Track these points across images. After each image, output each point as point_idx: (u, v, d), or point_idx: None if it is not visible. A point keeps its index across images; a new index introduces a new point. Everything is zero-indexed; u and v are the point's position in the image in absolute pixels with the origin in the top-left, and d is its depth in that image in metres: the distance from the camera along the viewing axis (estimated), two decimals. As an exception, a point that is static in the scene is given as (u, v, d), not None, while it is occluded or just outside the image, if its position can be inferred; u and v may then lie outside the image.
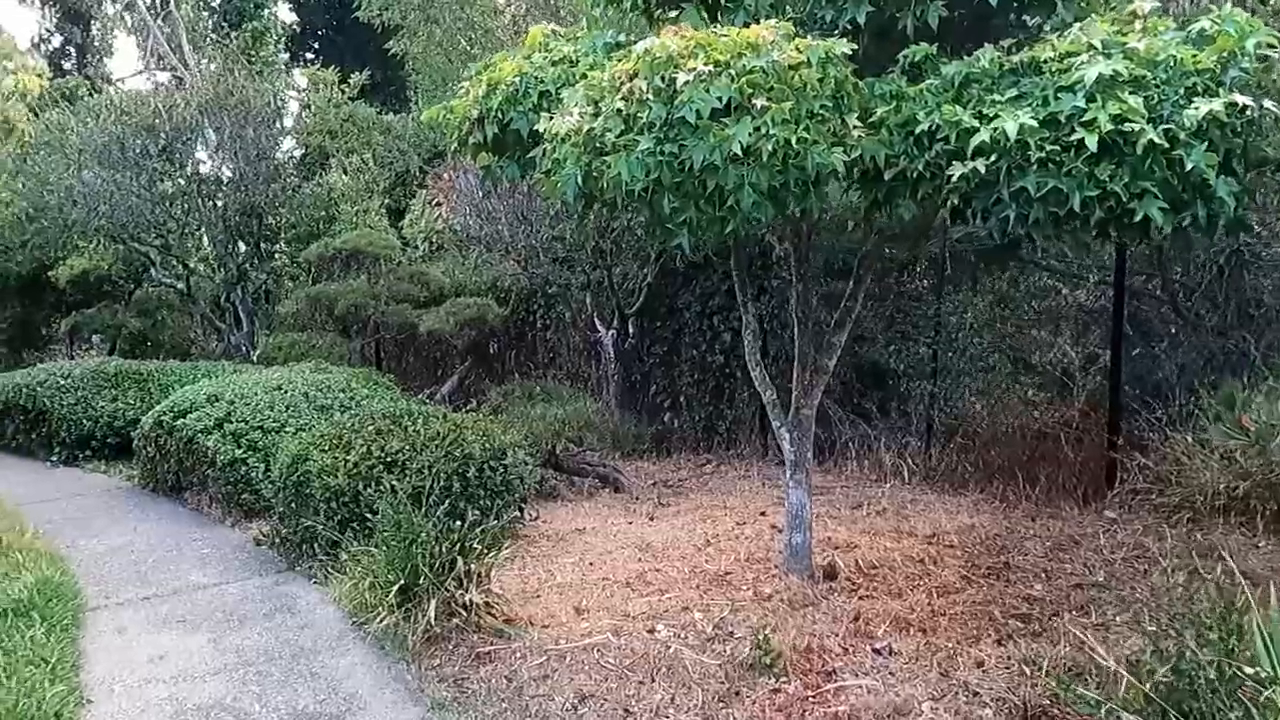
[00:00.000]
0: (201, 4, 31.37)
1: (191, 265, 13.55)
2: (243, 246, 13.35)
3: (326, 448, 6.46)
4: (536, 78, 4.86)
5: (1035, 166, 3.68)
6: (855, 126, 4.01)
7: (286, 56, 30.65)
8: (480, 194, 9.02)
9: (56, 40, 34.15)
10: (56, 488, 9.18)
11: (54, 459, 10.29)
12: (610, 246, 9.17)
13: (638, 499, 8.50)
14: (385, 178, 19.78)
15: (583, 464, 8.80)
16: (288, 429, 7.88)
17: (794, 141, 3.79)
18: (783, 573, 5.82)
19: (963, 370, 8.80)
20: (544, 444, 8.10)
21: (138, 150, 11.84)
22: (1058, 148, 3.67)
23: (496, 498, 6.52)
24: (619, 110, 4.02)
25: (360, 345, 12.79)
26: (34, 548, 6.29)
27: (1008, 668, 4.45)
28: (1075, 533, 6.83)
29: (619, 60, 4.22)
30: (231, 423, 8.02)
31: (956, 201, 3.91)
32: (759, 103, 3.83)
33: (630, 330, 10.67)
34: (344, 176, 18.50)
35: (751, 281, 5.93)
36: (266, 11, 29.56)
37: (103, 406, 10.37)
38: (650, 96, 3.96)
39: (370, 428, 6.63)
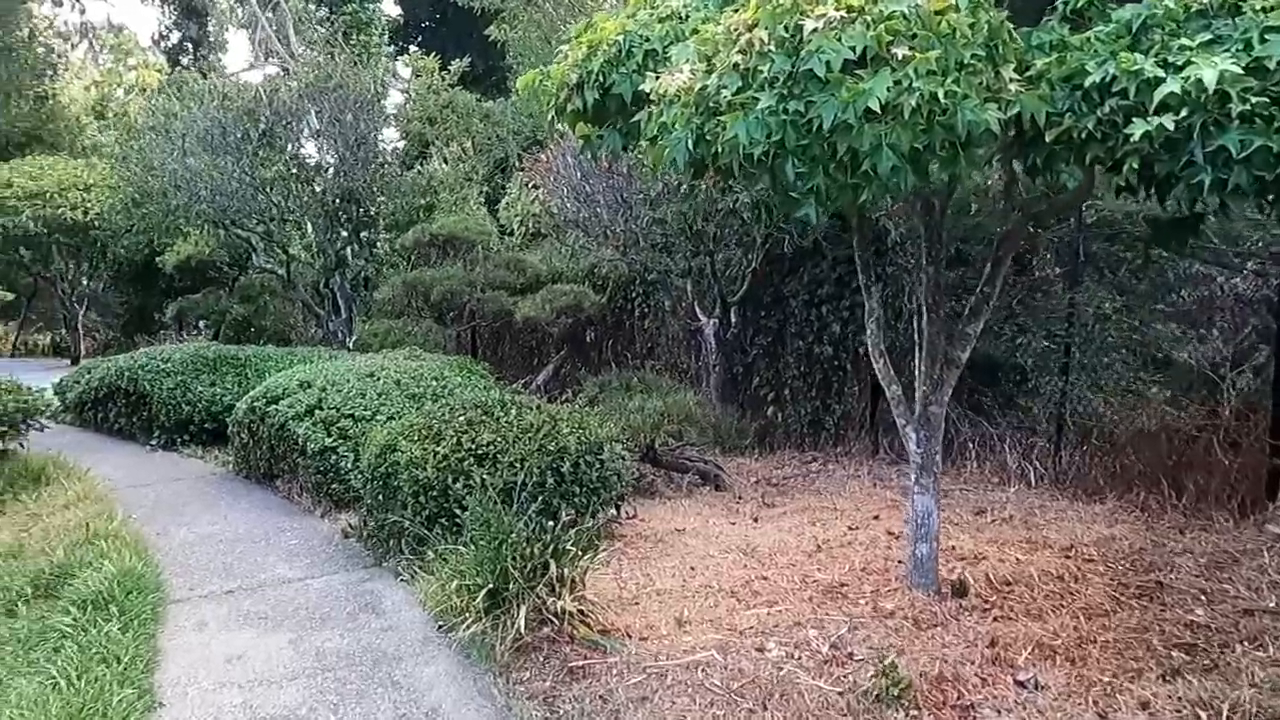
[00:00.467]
0: (309, -1, 31.95)
1: (292, 252, 13.53)
2: (342, 233, 13.27)
3: (416, 438, 6.15)
4: (642, 35, 4.39)
5: (1237, 122, 3.07)
6: (1011, 79, 3.45)
7: (391, 49, 30.91)
8: (578, 176, 8.63)
9: (175, 36, 35.19)
10: (153, 472, 9.14)
11: (153, 443, 10.31)
12: (715, 231, 8.68)
13: (740, 498, 8.01)
14: (484, 165, 19.69)
15: (682, 459, 8.35)
16: (378, 418, 7.62)
17: (941, 96, 3.26)
18: (905, 586, 5.27)
19: (1099, 366, 8.03)
20: (642, 438, 7.68)
21: (239, 135, 11.81)
22: (1266, 99, 3.05)
23: (592, 495, 6.11)
24: (736, 65, 3.54)
25: (456, 333, 12.59)
26: (121, 535, 6.13)
27: (1178, 711, 3.84)
28: (1233, 549, 6.08)
29: (735, 10, 3.74)
30: (322, 410, 7.81)
31: (1135, 165, 3.31)
32: (900, 52, 3.31)
33: (732, 319, 10.17)
34: (443, 165, 18.45)
35: (869, 266, 5.36)
36: (371, 4, 29.89)
37: (200, 391, 10.33)
38: (772, 48, 3.47)
39: (461, 418, 6.29)
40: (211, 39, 35.79)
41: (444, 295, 11.92)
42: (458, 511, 5.58)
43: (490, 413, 6.40)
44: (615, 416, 7.59)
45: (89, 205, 16.01)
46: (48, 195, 16.45)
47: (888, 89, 3.27)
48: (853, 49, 3.34)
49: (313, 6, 30.98)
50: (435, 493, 5.74)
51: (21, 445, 7.78)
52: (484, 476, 5.73)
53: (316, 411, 7.81)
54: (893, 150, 3.30)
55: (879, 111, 3.28)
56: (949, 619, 4.88)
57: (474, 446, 5.93)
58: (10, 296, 22.68)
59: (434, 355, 10.14)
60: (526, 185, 8.92)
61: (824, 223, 9.07)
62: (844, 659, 4.42)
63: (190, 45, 34.66)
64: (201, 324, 18.43)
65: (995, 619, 4.88)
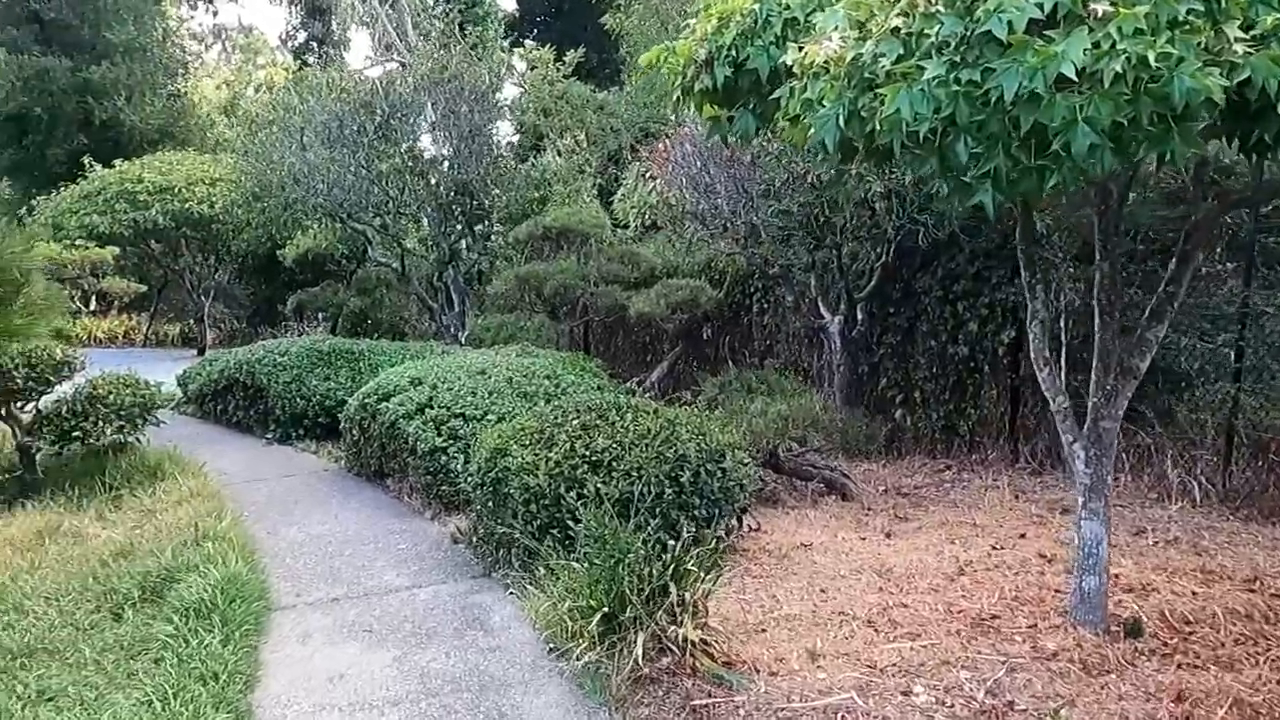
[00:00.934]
0: (427, -8, 32.34)
1: (407, 245, 13.48)
2: (456, 226, 13.15)
3: (527, 442, 5.83)
4: (780, 3, 3.91)
5: None
6: (1236, 39, 2.86)
7: (505, 43, 31.10)
8: (697, 165, 8.21)
9: (301, 36, 36.17)
10: (268, 467, 9.11)
11: (269, 436, 10.32)
12: (843, 222, 8.13)
13: (870, 509, 7.47)
14: (597, 156, 19.45)
15: (806, 465, 7.84)
16: (489, 417, 7.36)
17: (1151, 60, 2.70)
18: (1069, 623, 4.67)
19: (1278, 371, 7.19)
20: (764, 443, 7.21)
21: (355, 129, 11.77)
22: None
23: (714, 507, 5.69)
24: (896, 30, 3.06)
25: (569, 328, 12.32)
26: (229, 537, 5.99)
27: None
28: None
29: (895, -34, 3.23)
30: (432, 409, 7.59)
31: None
32: (1099, 8, 2.77)
33: (859, 316, 9.58)
34: (556, 158, 18.28)
35: (1033, 261, 4.76)
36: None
37: (315, 385, 10.30)
38: (940, 8, 2.98)
39: (575, 422, 5.94)
40: (335, 37, 36.69)
41: (557, 290, 11.66)
42: (570, 524, 5.24)
43: (605, 416, 6.03)
44: (736, 420, 7.15)
45: (214, 199, 16.37)
46: (176, 190, 16.89)
47: (1084, 52, 2.73)
48: (1040, 6, 2.82)
49: (430, 1, 31.37)
50: (547, 502, 5.40)
51: (139, 440, 7.80)
52: (598, 486, 5.37)
53: (427, 410, 7.60)
54: (1090, 125, 2.76)
55: (1073, 79, 2.74)
56: (1123, 664, 4.28)
57: (588, 453, 5.58)
58: (143, 289, 23.54)
59: (546, 351, 9.86)
60: (643, 176, 8.55)
61: (962, 213, 8.45)
62: (1003, 709, 3.89)
63: (315, 43, 35.57)
64: (320, 316, 18.71)
65: (1179, 666, 4.26)
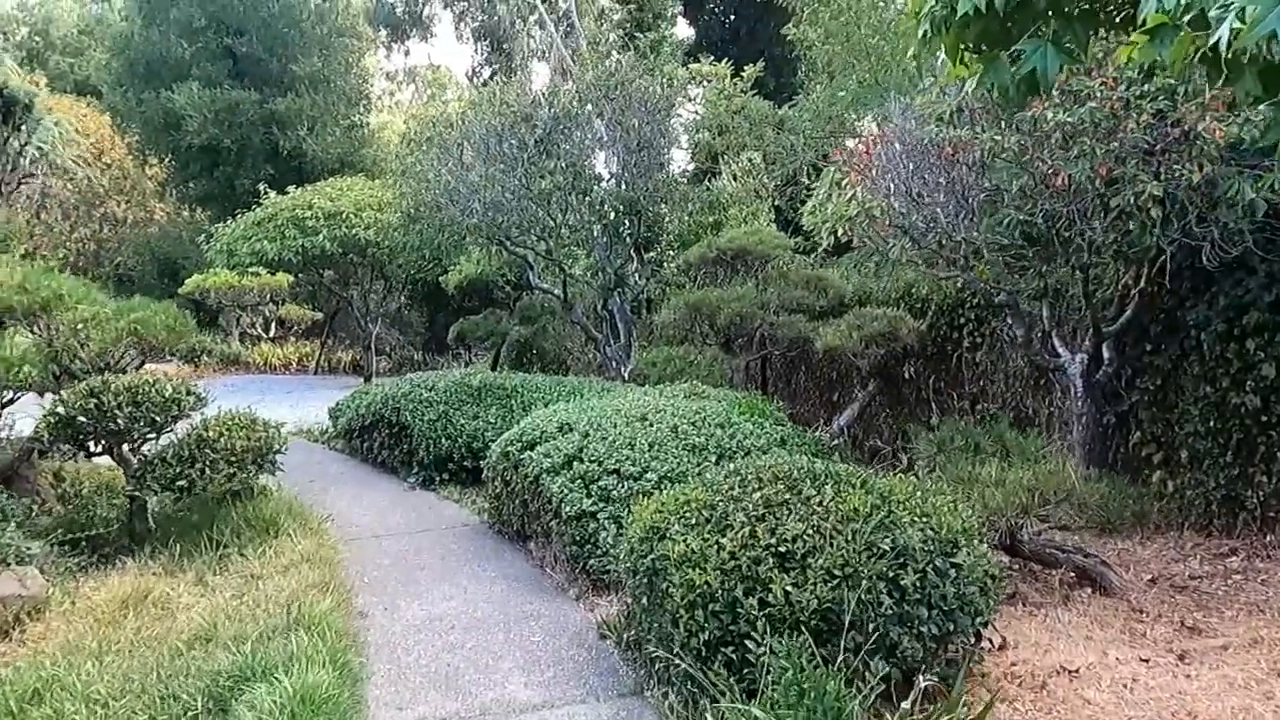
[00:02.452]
0: (603, 20, 31.92)
1: (569, 270, 12.41)
2: (623, 249, 12.03)
3: (693, 520, 4.45)
4: None
5: None
6: None
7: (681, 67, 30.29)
8: (909, 169, 6.64)
9: (486, 72, 36.48)
10: (403, 518, 8.09)
11: (412, 479, 9.35)
12: (1096, 236, 6.36)
13: (1141, 612, 5.66)
14: (776, 177, 18.10)
15: (1050, 548, 6.11)
16: (648, 476, 6.03)
17: None
18: None
19: None
20: (1003, 522, 5.54)
21: (515, 143, 10.79)
22: None
23: (947, 620, 4.12)
24: None
25: (744, 363, 10.89)
26: (326, 624, 4.86)
27: None
28: None
29: None
30: (582, 462, 6.32)
31: None
32: None
33: (1105, 355, 7.73)
34: (731, 180, 17.00)
35: None
36: (664, 24, 29.36)
37: (462, 424, 9.27)
38: None
39: (756, 494, 4.51)
40: (517, 73, 36.85)
41: (732, 319, 10.28)
42: (749, 644, 3.81)
43: (797, 488, 4.57)
44: (963, 490, 5.53)
45: (382, 224, 15.91)
46: (344, 215, 16.56)
47: None
48: None
49: (606, 27, 30.89)
50: (718, 608, 3.99)
51: (253, 487, 6.86)
52: (788, 589, 3.92)
53: (575, 464, 6.34)
54: None
55: None
56: None
57: (774, 542, 4.14)
58: (318, 316, 23.66)
59: (718, 392, 8.47)
60: (838, 184, 7.09)
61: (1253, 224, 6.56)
62: None
63: (499, 77, 35.79)
64: (486, 345, 18.02)
65: None
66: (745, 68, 19.99)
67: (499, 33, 34.51)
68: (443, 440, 9.19)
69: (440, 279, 17.07)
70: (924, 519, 4.38)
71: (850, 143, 6.88)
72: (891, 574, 4.05)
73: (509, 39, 35.46)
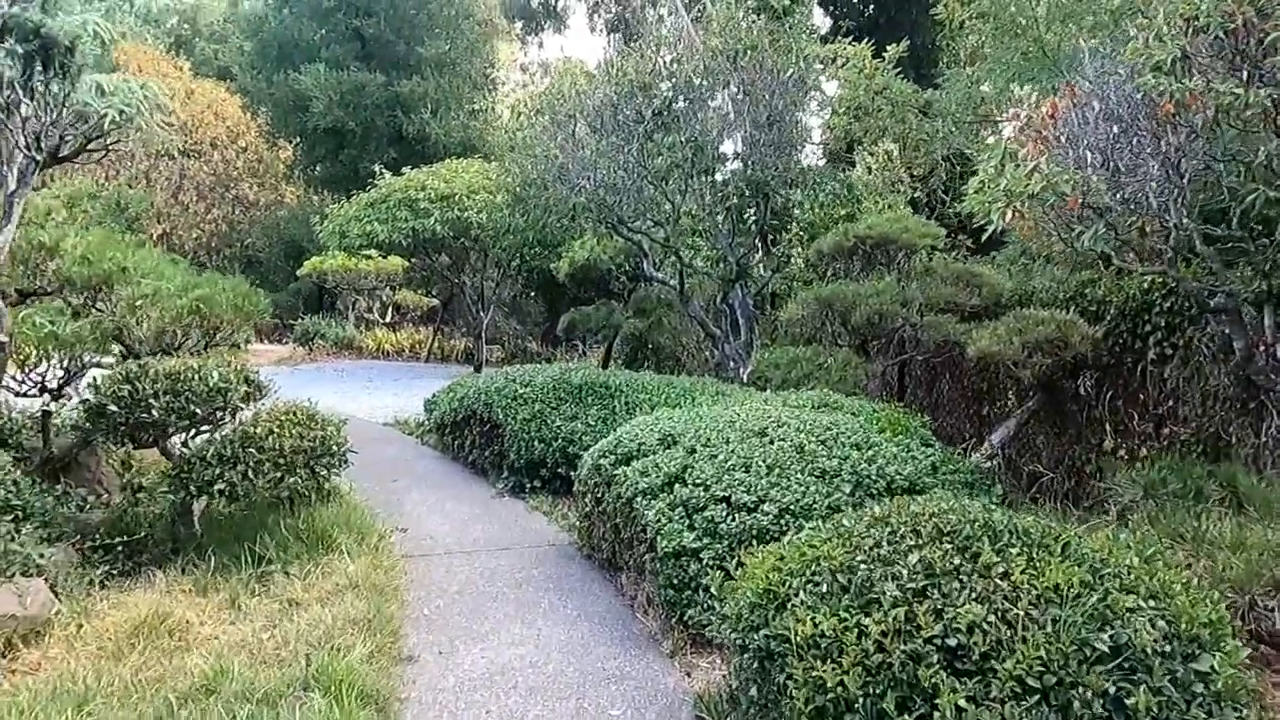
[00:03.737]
0: (738, 5, 30.60)
1: (686, 258, 11.25)
2: (747, 236, 10.83)
3: (824, 587, 3.27)
4: None
5: None
6: None
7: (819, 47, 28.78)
8: (1112, 132, 5.21)
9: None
10: (484, 531, 7.10)
11: (501, 485, 8.39)
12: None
13: None
14: (919, 165, 16.58)
15: (1292, 629, 4.64)
16: (765, 509, 4.84)
17: None
18: None
19: None
20: (1245, 599, 4.14)
21: (631, 115, 9.69)
22: None
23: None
24: None
25: (882, 368, 9.56)
26: (352, 682, 3.86)
27: None
28: None
29: None
30: (685, 485, 5.18)
31: None
32: None
33: (1346, 375, 6.16)
34: (867, 172, 15.57)
35: None
36: (800, 7, 27.86)
37: (558, 426, 8.25)
38: None
39: (913, 555, 3.28)
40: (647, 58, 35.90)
41: (869, 317, 8.95)
42: (906, 789, 2.62)
43: (969, 548, 3.33)
44: (1186, 552, 4.17)
45: (490, 206, 15.04)
46: (456, 197, 15.80)
47: None
48: None
49: (739, 19, 29.53)
50: (858, 724, 2.80)
51: (303, 493, 5.90)
52: (961, 705, 2.71)
53: (676, 486, 5.21)
54: None
55: None
56: None
57: (941, 631, 2.92)
58: (434, 302, 23.20)
59: (852, 402, 7.19)
60: (1012, 156, 5.74)
61: None
62: None
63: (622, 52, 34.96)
64: (599, 337, 17.03)
65: None
66: (888, 48, 18.44)
67: (631, 23, 33.64)
68: (536, 443, 8.19)
69: (552, 266, 16.15)
70: (1155, 604, 3.09)
71: (1048, 106, 5.48)
72: (1114, 689, 2.79)
73: (639, 24, 34.54)
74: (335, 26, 25.91)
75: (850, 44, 19.67)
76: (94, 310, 7.16)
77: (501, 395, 8.72)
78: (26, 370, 6.62)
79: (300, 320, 23.11)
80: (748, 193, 10.31)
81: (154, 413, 5.32)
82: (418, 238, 15.98)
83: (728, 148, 10.67)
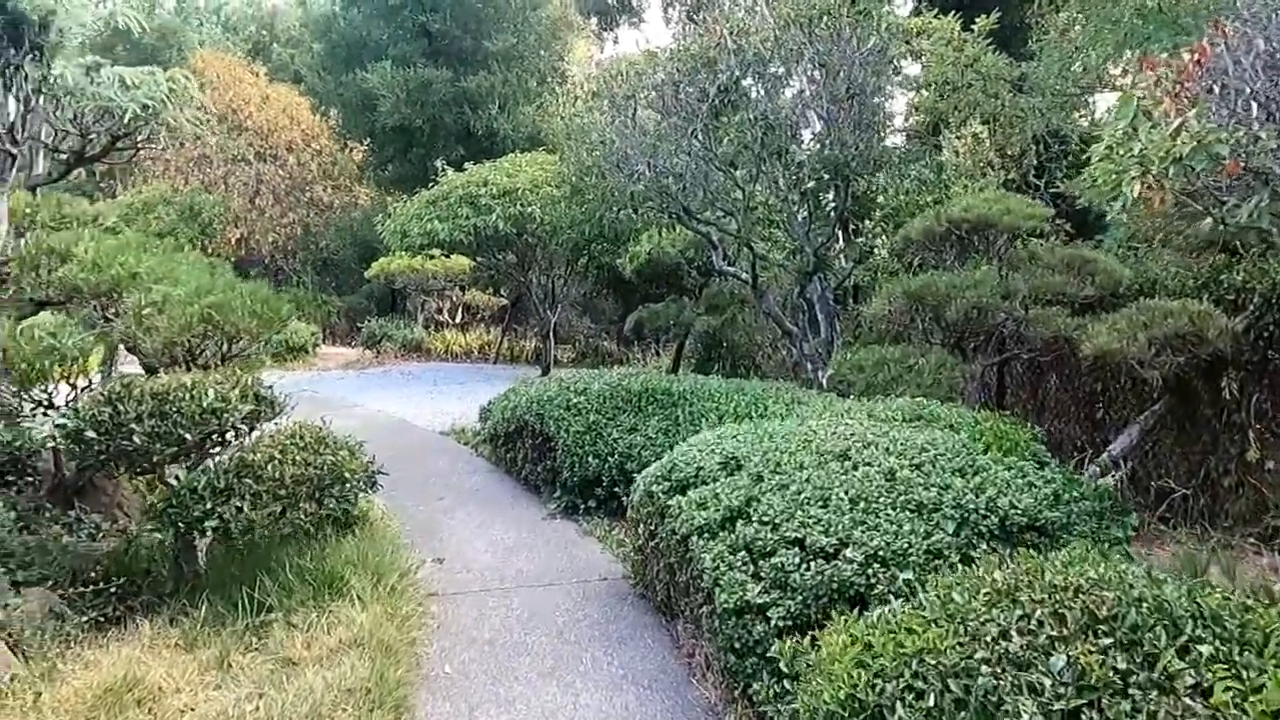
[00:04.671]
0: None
1: (759, 249, 10.30)
2: (825, 225, 9.83)
3: (930, 702, 2.34)
4: None
5: None
6: None
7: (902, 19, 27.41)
8: (1277, 79, 4.17)
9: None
10: (529, 562, 6.30)
11: (553, 505, 7.58)
12: None
13: None
14: (1013, 146, 15.31)
15: None
16: (849, 555, 3.91)
17: None
18: None
19: None
20: None
21: (694, 94, 8.79)
22: None
23: None
24: None
25: (981, 368, 8.49)
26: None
27: None
28: None
29: None
30: (749, 523, 4.28)
31: None
32: None
33: None
34: (956, 155, 14.37)
35: None
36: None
37: (615, 439, 7.42)
38: None
39: (1057, 654, 2.34)
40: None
41: (966, 312, 7.90)
42: None
43: (1138, 644, 2.37)
44: None
45: (548, 199, 14.26)
46: (519, 192, 15.07)
47: None
48: None
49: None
50: None
51: (309, 527, 5.11)
52: None
53: (739, 524, 4.31)
54: None
55: None
56: None
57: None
58: (503, 302, 22.60)
59: (950, 411, 6.18)
60: (1147, 114, 4.70)
61: None
62: None
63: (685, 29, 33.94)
64: (669, 337, 16.14)
65: None
66: (976, 20, 17.14)
67: (707, 10, 32.60)
68: (590, 458, 7.37)
69: (618, 262, 15.31)
70: None
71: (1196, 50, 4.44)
72: None
73: (713, 9, 33.37)
74: (402, 24, 25.50)
75: (936, 15, 18.42)
76: (105, 320, 6.57)
77: (553, 405, 7.92)
78: (25, 387, 6.02)
79: (367, 322, 22.75)
80: (825, 176, 9.31)
81: (136, 438, 4.62)
82: (480, 235, 15.31)
83: (802, 127, 9.67)
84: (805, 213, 9.90)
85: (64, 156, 8.44)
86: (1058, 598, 2.56)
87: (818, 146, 9.56)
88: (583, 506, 7.42)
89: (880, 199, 11.66)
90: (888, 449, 4.81)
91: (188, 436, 4.77)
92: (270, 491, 4.77)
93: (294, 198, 30.31)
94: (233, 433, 5.19)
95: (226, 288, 6.47)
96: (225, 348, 6.33)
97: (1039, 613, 2.51)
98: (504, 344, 21.17)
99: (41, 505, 6.35)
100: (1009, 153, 15.32)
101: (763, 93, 8.96)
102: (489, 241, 15.70)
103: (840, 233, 11.10)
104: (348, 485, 5.12)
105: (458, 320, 23.69)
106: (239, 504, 4.67)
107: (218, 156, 28.73)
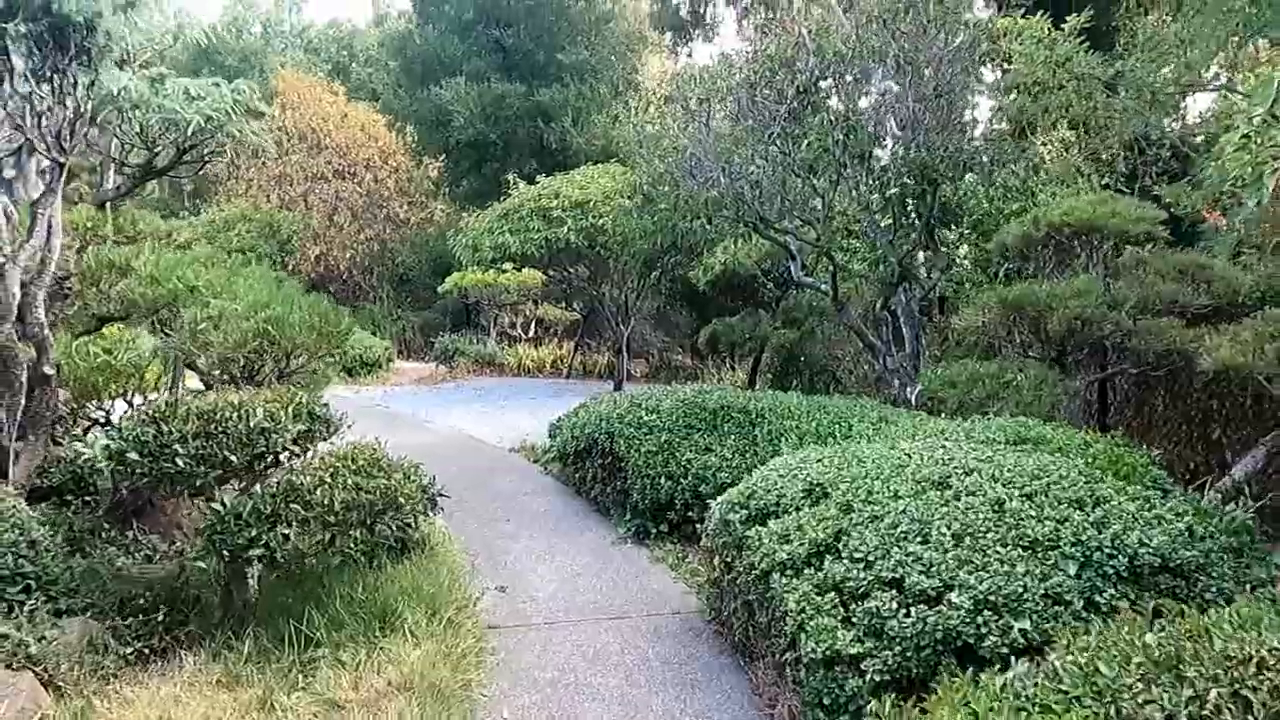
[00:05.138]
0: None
1: (840, 260, 9.79)
2: (911, 232, 9.29)
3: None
4: None
5: None
6: None
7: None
8: None
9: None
10: (595, 591, 5.90)
11: (623, 529, 7.18)
12: None
13: None
14: (1106, 150, 14.51)
15: None
16: (954, 600, 3.43)
17: None
18: None
19: None
20: None
21: (771, 96, 8.36)
22: None
23: None
24: None
25: (1085, 384, 7.87)
26: None
27: None
28: None
29: None
30: (839, 560, 3.83)
31: None
32: None
33: None
34: (1044, 161, 13.67)
35: None
36: None
37: (689, 460, 6.99)
38: None
39: (1233, 717, 1.85)
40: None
41: (1069, 324, 7.31)
42: None
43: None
44: None
45: (619, 209, 13.94)
46: (590, 204, 14.80)
47: None
48: None
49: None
50: None
51: (357, 556, 4.75)
52: None
53: (827, 561, 3.86)
54: None
55: None
56: None
57: None
58: (576, 315, 22.35)
59: (1058, 432, 5.62)
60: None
61: None
62: None
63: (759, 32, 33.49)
64: (746, 351, 15.65)
65: None
66: (1066, 19, 16.39)
67: (782, 21, 32.16)
68: (662, 480, 6.95)
69: (692, 275, 14.89)
70: None
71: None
72: None
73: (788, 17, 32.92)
74: (476, 39, 25.57)
75: (1024, 15, 17.68)
76: (164, 335, 6.39)
77: (624, 423, 7.53)
78: (80, 404, 5.85)
79: (440, 337, 22.71)
80: (910, 181, 8.78)
81: (179, 461, 4.37)
82: (551, 248, 15.07)
83: (885, 130, 9.16)
84: (890, 219, 9.37)
85: (129, 171, 8.36)
86: (1236, 674, 2.07)
87: (902, 149, 9.03)
88: (654, 531, 7.00)
89: (971, 204, 11.06)
90: (993, 476, 4.30)
91: (233, 458, 4.49)
92: (319, 518, 4.46)
93: (371, 214, 30.60)
94: (285, 454, 4.91)
95: (285, 301, 6.22)
96: (283, 364, 6.08)
97: (1214, 694, 2.02)
98: (576, 358, 20.89)
99: (99, 525, 6.18)
100: (1102, 157, 14.56)
101: (844, 94, 8.48)
102: (561, 254, 15.44)
103: (929, 236, 10.53)
104: (403, 510, 4.80)
105: (530, 335, 23.51)
106: (285, 531, 4.37)
107: (298, 175, 29.14)
